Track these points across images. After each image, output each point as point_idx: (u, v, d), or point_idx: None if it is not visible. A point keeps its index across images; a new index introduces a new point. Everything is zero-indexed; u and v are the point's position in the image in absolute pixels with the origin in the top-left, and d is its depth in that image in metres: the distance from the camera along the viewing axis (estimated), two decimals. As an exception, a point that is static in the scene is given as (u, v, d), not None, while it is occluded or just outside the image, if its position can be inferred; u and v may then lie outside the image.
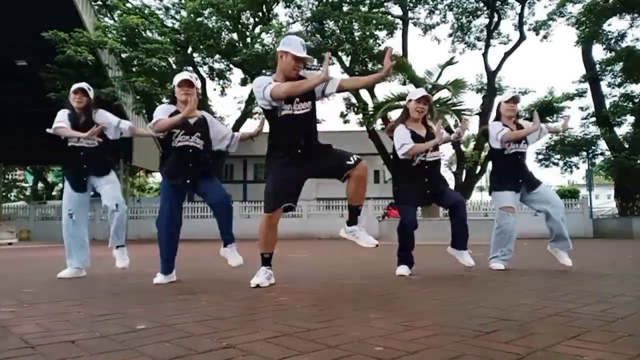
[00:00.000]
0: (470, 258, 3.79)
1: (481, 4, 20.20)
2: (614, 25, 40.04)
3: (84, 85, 3.98)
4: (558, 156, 20.55)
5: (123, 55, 16.96)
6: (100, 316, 2.08)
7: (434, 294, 2.69)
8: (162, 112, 3.43)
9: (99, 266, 4.35)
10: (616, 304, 2.29)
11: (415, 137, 3.80)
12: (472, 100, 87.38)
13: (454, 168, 21.58)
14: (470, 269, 3.81)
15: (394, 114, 18.05)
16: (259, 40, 18.99)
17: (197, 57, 20.03)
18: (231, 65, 20.25)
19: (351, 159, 2.97)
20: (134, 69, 17.45)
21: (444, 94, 12.39)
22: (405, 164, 3.82)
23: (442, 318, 1.97)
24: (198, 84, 3.56)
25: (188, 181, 3.41)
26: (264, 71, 17.53)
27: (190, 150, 3.41)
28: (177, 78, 3.50)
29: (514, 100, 4.18)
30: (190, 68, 19.59)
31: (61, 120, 3.78)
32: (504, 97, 4.29)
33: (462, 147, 19.69)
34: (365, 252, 7.44)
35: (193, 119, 3.47)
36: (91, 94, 3.98)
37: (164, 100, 19.60)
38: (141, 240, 16.44)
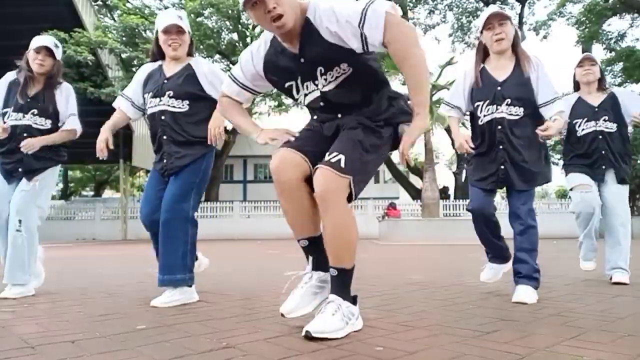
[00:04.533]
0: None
1: (481, 4, 20.20)
2: (614, 25, 39.95)
3: (49, 41, 2.82)
4: (558, 156, 20.55)
5: (123, 55, 16.99)
6: (100, 316, 2.08)
7: (434, 294, 2.69)
8: (136, 83, 2.65)
9: (99, 266, 4.34)
10: (616, 304, 2.29)
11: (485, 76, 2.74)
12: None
13: (454, 168, 21.59)
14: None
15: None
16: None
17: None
18: (231, 65, 20.27)
19: (331, 155, 1.69)
20: (134, 69, 17.46)
21: (444, 94, 12.42)
22: (474, 124, 2.78)
23: (442, 318, 1.97)
24: (186, 24, 2.54)
25: (164, 160, 2.50)
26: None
27: (163, 117, 2.49)
28: (162, 22, 2.51)
29: (588, 60, 3.34)
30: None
31: None
32: (576, 63, 3.41)
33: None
34: (364, 253, 7.45)
35: (171, 72, 2.55)
36: (58, 54, 2.86)
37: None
38: (141, 240, 16.42)
